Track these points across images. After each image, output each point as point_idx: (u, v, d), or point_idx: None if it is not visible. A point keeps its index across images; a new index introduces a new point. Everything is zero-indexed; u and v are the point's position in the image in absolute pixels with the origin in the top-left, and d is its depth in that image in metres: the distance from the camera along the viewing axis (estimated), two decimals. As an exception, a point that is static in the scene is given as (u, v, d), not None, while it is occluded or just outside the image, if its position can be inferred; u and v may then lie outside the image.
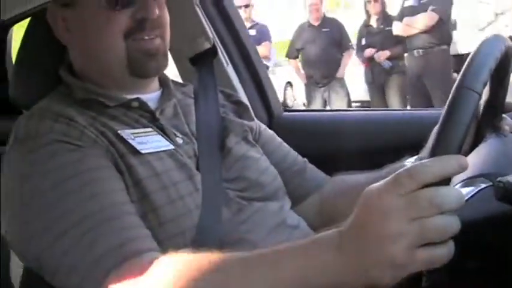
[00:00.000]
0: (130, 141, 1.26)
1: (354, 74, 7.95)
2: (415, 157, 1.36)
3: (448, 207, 0.79)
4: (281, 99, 12.09)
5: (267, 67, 4.92)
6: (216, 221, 1.28)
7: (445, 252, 0.80)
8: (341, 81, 7.13)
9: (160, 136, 1.33)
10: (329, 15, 7.69)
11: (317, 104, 7.04)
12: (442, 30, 6.14)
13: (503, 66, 1.03)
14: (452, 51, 15.82)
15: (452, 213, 0.79)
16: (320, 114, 2.55)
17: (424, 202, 0.79)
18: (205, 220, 1.26)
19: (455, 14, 15.82)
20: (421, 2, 6.12)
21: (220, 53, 2.09)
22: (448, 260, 0.80)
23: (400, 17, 6.34)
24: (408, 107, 6.41)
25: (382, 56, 6.72)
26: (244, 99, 2.04)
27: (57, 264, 1.10)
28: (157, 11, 1.34)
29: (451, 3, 6.28)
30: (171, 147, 1.32)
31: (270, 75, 2.53)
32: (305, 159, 1.66)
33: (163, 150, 1.30)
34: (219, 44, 2.11)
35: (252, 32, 6.42)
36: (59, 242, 1.09)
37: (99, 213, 1.11)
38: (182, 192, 1.26)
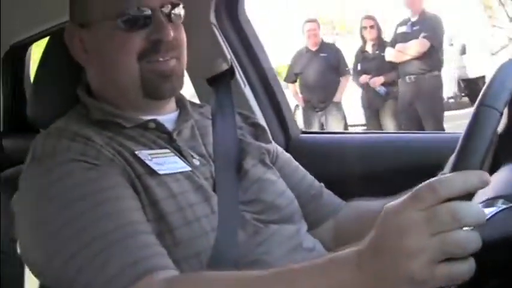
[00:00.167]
0: (147, 161, 1.26)
1: (352, 98, 8.04)
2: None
3: (469, 221, 0.77)
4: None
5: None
6: (232, 243, 1.27)
7: (466, 268, 0.78)
8: (338, 105, 7.21)
9: (177, 157, 1.33)
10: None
11: (314, 128, 7.12)
12: (434, 56, 6.23)
13: None
14: (461, 75, 15.84)
15: (473, 230, 0.78)
16: (338, 137, 2.53)
17: (445, 216, 0.77)
18: (221, 242, 1.25)
19: (465, 39, 15.86)
20: (414, 28, 6.23)
21: (237, 73, 2.08)
22: (469, 277, 0.79)
23: (393, 43, 6.45)
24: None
25: (377, 81, 6.80)
26: (262, 120, 2.03)
27: (73, 282, 1.10)
28: (172, 33, 1.34)
29: (443, 31, 6.41)
30: (188, 168, 1.32)
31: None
32: (321, 184, 1.65)
33: (180, 172, 1.30)
34: (237, 65, 2.11)
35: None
36: (74, 259, 1.09)
37: (115, 231, 1.11)
38: (198, 214, 1.25)
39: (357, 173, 2.00)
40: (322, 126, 7.15)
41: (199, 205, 1.27)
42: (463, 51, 15.71)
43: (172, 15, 1.38)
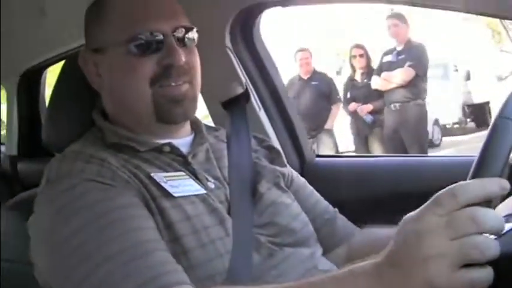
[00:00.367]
0: (162, 184, 1.26)
1: (343, 126, 8.11)
2: None
3: (489, 226, 0.78)
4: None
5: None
6: (247, 265, 1.27)
7: (484, 275, 0.78)
8: (329, 132, 7.30)
9: (192, 180, 1.33)
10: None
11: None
12: (418, 85, 6.33)
13: None
14: (467, 101, 15.86)
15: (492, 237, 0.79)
16: (352, 160, 2.53)
17: (465, 220, 0.78)
18: (236, 265, 1.24)
19: (471, 65, 15.91)
20: (399, 58, 6.32)
21: (252, 97, 2.08)
22: (488, 285, 0.79)
23: (379, 72, 6.54)
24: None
25: (365, 109, 6.89)
26: (276, 144, 2.02)
27: None
28: (183, 58, 1.34)
29: (428, 60, 6.51)
30: (203, 191, 1.32)
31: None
32: (336, 209, 1.64)
33: (195, 195, 1.30)
34: (252, 88, 2.11)
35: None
36: (92, 277, 1.09)
37: (132, 249, 1.11)
38: (213, 237, 1.25)
39: (372, 197, 1.99)
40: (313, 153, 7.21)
41: (214, 228, 1.27)
42: (468, 77, 15.83)
43: (186, 39, 1.38)
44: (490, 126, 0.88)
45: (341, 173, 2.19)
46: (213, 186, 1.36)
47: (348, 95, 7.18)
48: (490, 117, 14.11)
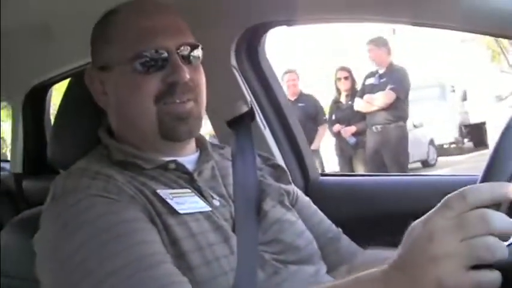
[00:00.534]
0: (168, 200, 1.26)
1: (329, 147, 8.21)
2: None
3: (499, 227, 0.79)
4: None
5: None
6: (251, 283, 1.27)
7: (493, 278, 0.79)
8: (316, 152, 7.33)
9: (197, 197, 1.34)
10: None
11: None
12: (399, 107, 6.49)
13: None
14: (463, 121, 15.95)
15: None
16: (357, 179, 2.52)
17: (475, 220, 0.79)
18: (240, 282, 1.24)
19: (468, 86, 15.99)
20: (381, 81, 6.48)
21: (257, 116, 2.08)
22: (497, 286, 0.79)
23: (361, 94, 6.68)
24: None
25: (348, 131, 7.02)
26: (281, 162, 2.02)
27: None
28: (187, 75, 1.35)
29: (409, 83, 6.62)
30: (208, 208, 1.32)
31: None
32: (339, 229, 1.64)
33: (200, 212, 1.30)
34: (257, 107, 2.11)
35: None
36: None
37: (136, 262, 1.11)
38: (218, 254, 1.25)
39: (376, 216, 1.98)
40: None
41: (219, 245, 1.27)
42: (465, 98, 15.94)
43: (191, 57, 1.39)
44: (501, 132, 0.91)
45: (345, 191, 2.18)
46: (218, 203, 1.36)
47: (333, 117, 7.31)
48: (487, 137, 14.27)
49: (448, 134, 15.27)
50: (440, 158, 13.89)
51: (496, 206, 0.81)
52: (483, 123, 14.93)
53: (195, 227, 1.26)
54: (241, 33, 2.05)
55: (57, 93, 3.24)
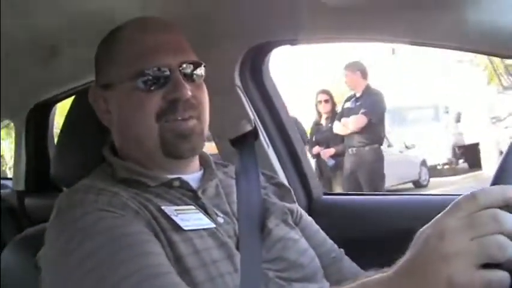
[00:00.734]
0: (173, 217, 1.27)
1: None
2: None
3: (509, 226, 0.78)
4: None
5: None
6: None
7: (503, 277, 0.78)
8: None
9: (201, 214, 1.34)
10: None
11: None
12: (373, 131, 6.61)
13: None
14: (458, 142, 16.09)
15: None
16: (360, 198, 2.52)
17: (486, 219, 0.79)
18: None
19: (463, 107, 16.12)
20: (356, 104, 6.64)
21: (261, 135, 2.09)
22: (507, 287, 0.78)
23: (340, 117, 6.85)
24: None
25: (327, 153, 7.14)
26: (284, 181, 2.02)
27: None
28: (189, 92, 1.35)
29: (383, 107, 6.76)
30: (212, 225, 1.32)
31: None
32: (341, 249, 1.63)
33: (205, 229, 1.30)
34: (260, 126, 2.12)
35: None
36: None
37: (145, 270, 1.12)
38: (222, 271, 1.25)
39: (379, 235, 1.98)
40: None
41: (223, 262, 1.27)
42: (458, 119, 16.03)
43: (194, 75, 1.40)
44: None
45: (348, 210, 2.18)
46: (222, 221, 1.36)
47: (313, 139, 7.43)
48: (480, 158, 14.37)
49: (441, 155, 15.40)
50: (434, 179, 13.96)
51: (507, 208, 0.81)
52: (477, 144, 15.06)
53: (200, 243, 1.26)
54: (245, 53, 2.05)
55: (61, 110, 3.25)
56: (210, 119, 1.44)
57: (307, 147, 7.48)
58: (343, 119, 6.69)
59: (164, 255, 1.19)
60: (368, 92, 6.65)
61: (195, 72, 1.40)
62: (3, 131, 5.00)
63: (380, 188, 6.68)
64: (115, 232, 1.17)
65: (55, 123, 3.41)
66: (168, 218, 1.26)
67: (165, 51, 1.37)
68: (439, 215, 0.84)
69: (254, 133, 1.74)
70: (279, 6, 1.78)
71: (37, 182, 3.30)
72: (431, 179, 13.87)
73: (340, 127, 6.75)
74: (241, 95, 2.11)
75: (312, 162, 7.68)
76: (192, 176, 1.43)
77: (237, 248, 1.33)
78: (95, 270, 1.12)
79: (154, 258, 1.16)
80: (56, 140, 2.22)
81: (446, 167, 15.70)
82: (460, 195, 0.83)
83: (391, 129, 14.32)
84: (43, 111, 3.25)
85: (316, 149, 7.24)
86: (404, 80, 17.13)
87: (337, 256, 1.59)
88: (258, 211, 1.46)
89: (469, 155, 15.83)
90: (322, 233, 1.64)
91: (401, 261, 0.86)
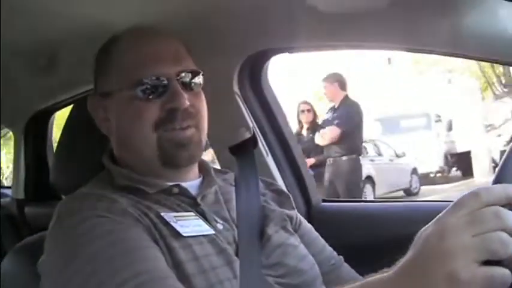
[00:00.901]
0: (172, 223, 1.27)
1: None
2: None
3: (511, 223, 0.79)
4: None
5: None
6: None
7: (505, 274, 0.78)
8: None
9: (201, 221, 1.34)
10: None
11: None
12: (348, 141, 6.69)
13: None
14: (450, 150, 16.29)
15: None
16: (359, 205, 2.52)
17: (488, 216, 0.79)
18: None
19: (456, 115, 16.27)
20: (333, 115, 6.77)
21: (260, 142, 2.09)
22: (508, 284, 0.79)
23: (320, 128, 6.95)
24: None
25: (308, 163, 7.07)
26: (283, 188, 2.03)
27: None
28: (187, 101, 1.35)
29: (357, 118, 6.79)
30: (212, 232, 1.32)
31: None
32: (341, 256, 1.64)
33: (204, 235, 1.30)
34: (259, 133, 2.12)
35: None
36: None
37: (145, 274, 1.12)
38: (221, 277, 1.25)
39: (378, 241, 1.98)
40: None
41: (222, 268, 1.27)
42: (450, 128, 16.16)
43: (192, 83, 1.40)
44: None
45: (347, 217, 2.19)
46: (221, 227, 1.37)
47: None
48: (472, 166, 14.46)
49: (433, 163, 15.51)
50: (425, 187, 14.10)
51: (509, 206, 0.81)
52: (469, 153, 15.16)
53: (199, 250, 1.26)
54: (244, 60, 2.06)
55: (59, 118, 3.25)
56: (209, 127, 1.44)
57: None
58: (321, 130, 6.81)
59: (163, 260, 1.19)
60: (344, 103, 6.76)
61: (193, 80, 1.40)
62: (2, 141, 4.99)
63: (357, 197, 6.80)
64: (114, 237, 1.17)
65: (54, 130, 3.41)
66: (167, 224, 1.26)
67: (163, 60, 1.37)
68: (441, 213, 0.84)
69: (253, 141, 1.74)
70: (276, 14, 1.79)
71: (36, 191, 3.29)
72: (423, 187, 14.06)
73: (319, 138, 6.84)
74: (240, 102, 2.11)
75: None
76: (191, 183, 1.43)
77: (237, 255, 1.33)
78: (95, 275, 1.12)
79: (154, 263, 1.16)
80: (55, 148, 2.22)
81: (438, 175, 15.80)
82: None
83: (383, 138, 14.47)
84: (42, 119, 3.25)
85: None
86: (399, 90, 17.22)
87: (336, 263, 1.59)
88: (258, 218, 1.46)
89: (461, 163, 15.96)
90: (321, 240, 1.64)
91: (402, 261, 0.86)
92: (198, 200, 1.39)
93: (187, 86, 1.38)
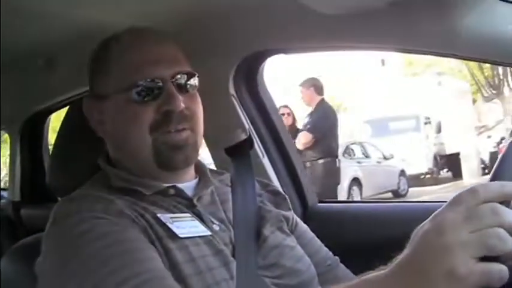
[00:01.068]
0: (168, 224, 1.27)
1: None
2: None
3: (509, 220, 0.79)
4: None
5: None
6: None
7: (504, 269, 0.79)
8: None
9: (197, 222, 1.34)
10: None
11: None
12: (323, 145, 6.78)
13: None
14: (439, 152, 16.46)
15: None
16: (355, 206, 2.53)
17: (486, 212, 0.80)
18: None
19: (445, 117, 16.40)
20: (308, 120, 6.87)
21: (256, 144, 2.09)
22: (505, 280, 0.79)
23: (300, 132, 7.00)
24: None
25: None
26: (279, 189, 2.03)
27: None
28: (182, 104, 1.35)
29: (328, 122, 6.89)
30: (208, 233, 1.32)
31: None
32: (337, 257, 1.64)
33: (200, 236, 1.30)
34: (255, 135, 2.12)
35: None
36: None
37: (144, 274, 1.12)
38: (218, 278, 1.25)
39: (374, 242, 1.98)
40: None
41: (219, 269, 1.27)
42: (439, 130, 16.26)
43: (188, 85, 1.40)
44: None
45: (343, 218, 2.19)
46: (217, 228, 1.37)
47: None
48: (461, 167, 14.52)
49: (422, 165, 15.59)
50: (414, 189, 14.20)
51: (505, 203, 0.82)
52: (458, 154, 15.25)
53: (195, 251, 1.26)
54: (240, 62, 2.06)
55: (55, 120, 3.25)
56: (205, 128, 1.44)
57: None
58: (298, 135, 6.84)
59: (160, 261, 1.19)
60: (317, 108, 6.83)
61: (188, 82, 1.40)
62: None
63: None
64: (111, 238, 1.17)
65: (50, 132, 3.41)
66: (163, 225, 1.26)
67: (158, 62, 1.36)
68: (438, 210, 0.85)
69: (249, 142, 1.74)
70: (272, 15, 1.79)
71: (33, 192, 3.29)
72: (411, 189, 14.16)
73: (297, 143, 6.86)
74: (236, 104, 2.11)
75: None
76: (188, 184, 1.43)
77: (233, 256, 1.33)
78: (91, 276, 1.12)
79: (151, 263, 1.16)
80: (50, 150, 2.22)
81: (428, 176, 15.87)
82: None
83: (373, 140, 14.54)
84: (38, 121, 3.25)
85: None
86: (389, 92, 17.27)
87: (332, 264, 1.59)
88: (254, 219, 1.46)
89: (451, 164, 16.04)
90: (318, 241, 1.64)
91: (399, 258, 0.87)
92: (194, 201, 1.39)
93: (183, 88, 1.38)
